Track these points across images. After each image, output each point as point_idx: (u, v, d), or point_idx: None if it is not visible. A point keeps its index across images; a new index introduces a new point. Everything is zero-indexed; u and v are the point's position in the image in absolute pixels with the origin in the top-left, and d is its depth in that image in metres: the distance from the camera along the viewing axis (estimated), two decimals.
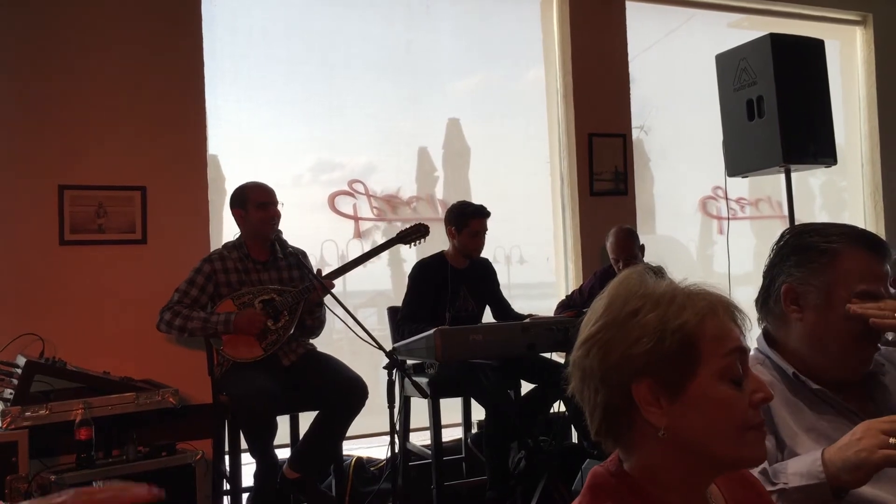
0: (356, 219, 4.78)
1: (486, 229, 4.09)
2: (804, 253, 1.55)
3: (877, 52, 6.24)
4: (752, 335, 1.33)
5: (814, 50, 3.91)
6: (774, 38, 3.82)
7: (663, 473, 1.08)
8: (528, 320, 3.65)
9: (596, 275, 4.58)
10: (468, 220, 4.04)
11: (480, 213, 4.05)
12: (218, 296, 3.59)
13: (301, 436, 3.67)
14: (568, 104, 5.16)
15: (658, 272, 1.12)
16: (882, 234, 6.17)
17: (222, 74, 4.44)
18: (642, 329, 1.06)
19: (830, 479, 1.27)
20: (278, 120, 4.69)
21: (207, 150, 4.29)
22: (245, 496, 3.59)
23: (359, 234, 4.76)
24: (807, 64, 3.85)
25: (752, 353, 1.60)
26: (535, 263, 5.27)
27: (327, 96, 4.78)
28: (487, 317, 4.31)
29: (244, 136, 4.53)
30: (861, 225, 6.12)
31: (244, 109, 4.57)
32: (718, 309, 1.09)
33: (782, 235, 1.63)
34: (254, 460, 3.47)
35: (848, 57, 6.32)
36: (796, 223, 4.14)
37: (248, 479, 3.56)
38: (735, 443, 1.05)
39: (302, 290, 3.56)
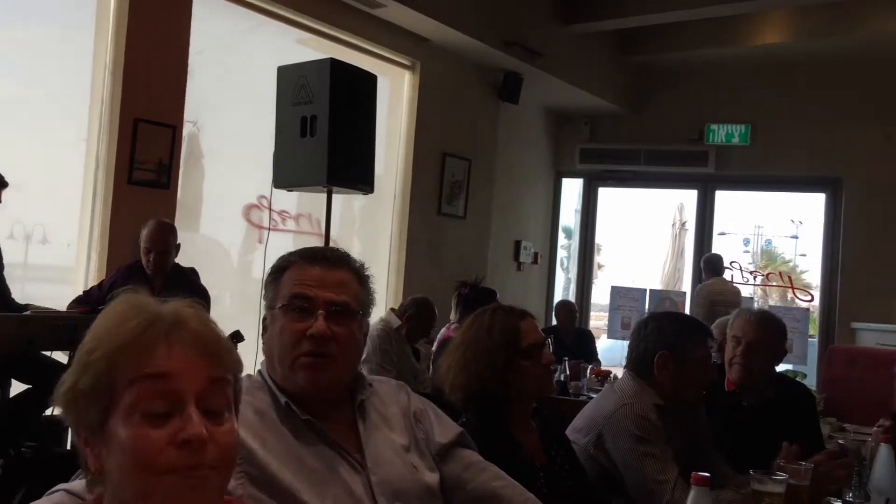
0: None
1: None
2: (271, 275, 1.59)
3: (419, 96, 6.87)
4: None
5: (367, 82, 4.13)
6: (334, 63, 3.94)
7: None
8: (29, 312, 3.21)
9: (120, 271, 4.24)
10: None
11: None
12: None
13: None
14: (116, 82, 4.71)
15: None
16: (403, 259, 6.79)
17: None
18: (73, 369, 0.96)
19: None
20: None
21: None
22: None
23: None
24: (360, 94, 4.04)
25: (254, 376, 1.56)
26: (57, 246, 4.76)
27: None
28: None
29: None
30: (385, 251, 6.71)
31: None
32: (149, 333, 0.96)
33: None
34: None
35: (396, 96, 6.88)
36: (331, 242, 4.33)
37: None
38: (145, 491, 0.92)
39: None
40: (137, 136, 4.72)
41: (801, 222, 9.86)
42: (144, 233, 4.21)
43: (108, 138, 4.71)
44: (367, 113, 4.10)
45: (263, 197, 5.58)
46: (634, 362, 2.44)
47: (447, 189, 7.22)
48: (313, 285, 1.51)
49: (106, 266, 4.62)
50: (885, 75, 7.61)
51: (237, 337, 3.18)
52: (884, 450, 2.04)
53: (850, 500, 2.04)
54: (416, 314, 5.16)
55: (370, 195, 4.44)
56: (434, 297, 5.36)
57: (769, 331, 2.81)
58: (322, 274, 1.53)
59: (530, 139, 8.63)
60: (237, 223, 5.78)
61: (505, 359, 2.02)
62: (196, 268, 4.50)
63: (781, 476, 1.90)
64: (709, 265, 7.48)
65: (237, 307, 5.67)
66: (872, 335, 6.65)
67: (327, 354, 1.48)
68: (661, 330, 2.41)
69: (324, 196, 4.13)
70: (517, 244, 8.39)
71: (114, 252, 4.65)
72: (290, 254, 1.60)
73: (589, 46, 7.92)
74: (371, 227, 6.89)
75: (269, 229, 5.07)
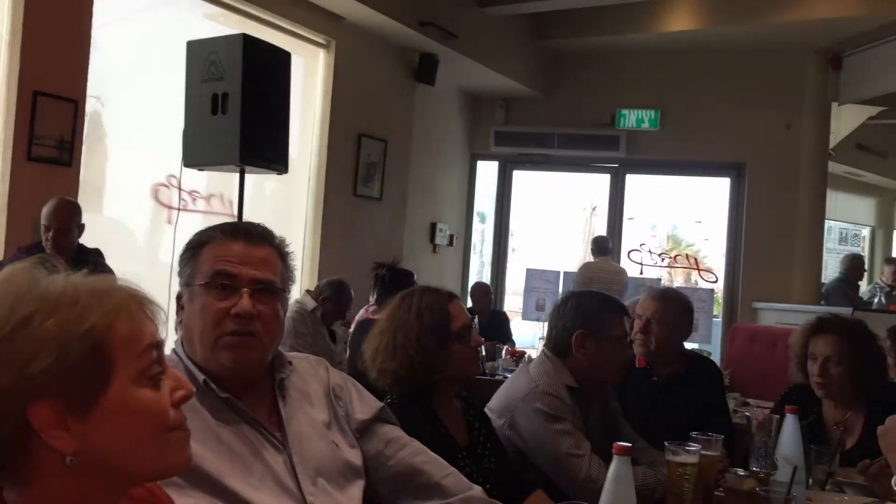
0: None
1: None
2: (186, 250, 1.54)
3: (335, 76, 6.77)
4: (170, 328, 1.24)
5: (281, 60, 4.04)
6: (247, 39, 3.84)
7: None
8: None
9: (20, 251, 4.03)
10: None
11: None
12: None
13: None
14: (13, 53, 4.45)
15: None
16: (318, 241, 6.70)
17: None
18: (39, 341, 0.87)
19: None
20: None
21: None
22: None
23: None
24: (273, 72, 3.95)
25: (168, 354, 1.50)
26: None
27: None
28: None
29: None
30: (300, 232, 6.61)
31: None
32: (132, 305, 0.96)
33: None
34: None
35: (310, 75, 6.75)
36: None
37: None
38: (159, 450, 0.96)
39: None
40: (37, 111, 4.48)
41: (705, 207, 10.19)
42: (44, 210, 4.02)
43: (6, 112, 4.46)
44: (280, 91, 4.00)
45: (173, 176, 5.39)
46: (553, 341, 2.44)
47: (363, 170, 7.15)
48: (236, 262, 1.47)
49: (3, 247, 4.40)
50: (786, 65, 7.92)
51: None
52: (790, 420, 2.12)
53: (757, 469, 2.11)
54: (332, 296, 5.11)
55: (284, 175, 4.34)
56: (350, 279, 5.31)
57: (667, 306, 2.89)
58: (245, 250, 1.48)
59: (446, 121, 8.64)
60: (145, 203, 5.57)
61: (437, 342, 1.99)
62: (101, 249, 4.32)
63: (695, 447, 1.95)
64: (595, 245, 7.79)
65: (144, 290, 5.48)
66: (773, 314, 6.92)
67: (252, 333, 1.45)
68: (579, 308, 2.42)
69: (235, 176, 4.03)
70: (433, 226, 8.39)
71: (12, 233, 4.43)
72: (210, 228, 1.54)
73: (504, 29, 7.96)
74: (285, 209, 6.76)
75: (179, 210, 4.92)
